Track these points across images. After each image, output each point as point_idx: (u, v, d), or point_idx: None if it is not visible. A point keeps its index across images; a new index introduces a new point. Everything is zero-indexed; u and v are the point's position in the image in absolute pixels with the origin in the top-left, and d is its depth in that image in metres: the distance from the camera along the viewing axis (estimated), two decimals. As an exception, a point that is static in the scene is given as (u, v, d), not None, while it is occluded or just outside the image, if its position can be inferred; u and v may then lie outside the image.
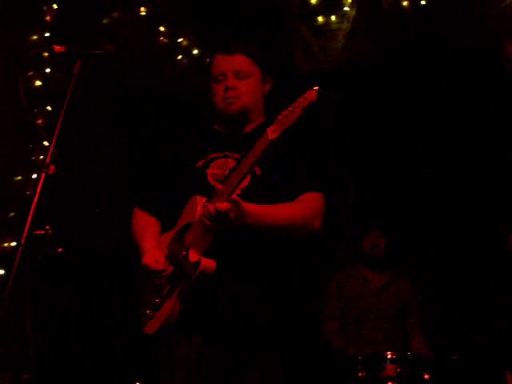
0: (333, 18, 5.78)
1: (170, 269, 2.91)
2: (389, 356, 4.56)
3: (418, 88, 5.84)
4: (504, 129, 5.64)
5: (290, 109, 2.67)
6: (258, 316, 2.97)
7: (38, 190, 2.67)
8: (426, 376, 4.50)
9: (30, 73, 5.32)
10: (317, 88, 2.66)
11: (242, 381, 2.91)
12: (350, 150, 6.09)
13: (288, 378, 3.05)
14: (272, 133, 2.67)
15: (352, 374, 4.66)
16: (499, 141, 5.74)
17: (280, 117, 2.69)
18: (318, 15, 5.80)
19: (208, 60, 3.31)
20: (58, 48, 2.89)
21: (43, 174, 2.68)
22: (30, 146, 5.28)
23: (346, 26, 5.72)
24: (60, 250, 2.58)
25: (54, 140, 2.76)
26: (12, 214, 5.14)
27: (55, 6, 5.46)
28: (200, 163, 3.09)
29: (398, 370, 4.50)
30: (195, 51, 5.96)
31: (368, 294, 5.31)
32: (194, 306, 2.89)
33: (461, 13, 5.32)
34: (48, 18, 5.45)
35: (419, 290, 5.42)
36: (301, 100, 2.65)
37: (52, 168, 2.71)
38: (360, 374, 4.59)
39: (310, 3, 5.80)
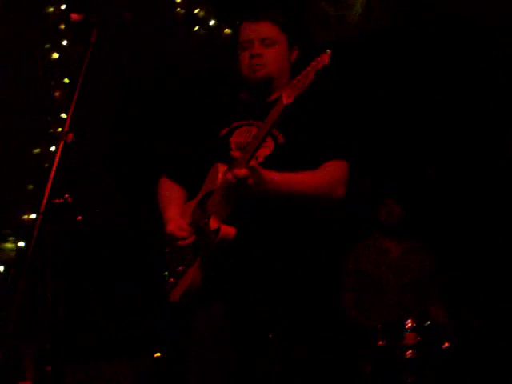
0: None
1: (193, 237, 2.92)
2: (409, 324, 4.55)
3: (436, 57, 5.77)
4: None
5: (304, 73, 2.67)
6: (281, 286, 2.96)
7: (57, 158, 2.68)
8: (447, 344, 4.51)
9: (47, 45, 5.33)
10: (329, 51, 2.65)
11: (261, 353, 2.91)
12: (370, 119, 6.04)
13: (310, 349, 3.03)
14: (287, 98, 2.67)
15: (369, 344, 4.66)
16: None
17: (294, 81, 2.69)
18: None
19: (228, 29, 3.30)
20: (74, 16, 2.90)
21: (62, 142, 2.69)
22: (48, 118, 5.29)
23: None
24: (79, 218, 2.60)
25: (71, 108, 2.76)
26: (31, 186, 5.17)
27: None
28: (224, 131, 3.09)
29: (418, 338, 4.50)
30: (212, 22, 5.94)
31: (387, 263, 5.29)
32: (216, 274, 2.89)
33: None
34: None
35: (438, 258, 5.40)
36: (313, 64, 2.65)
37: (70, 136, 2.71)
38: (380, 343, 4.59)
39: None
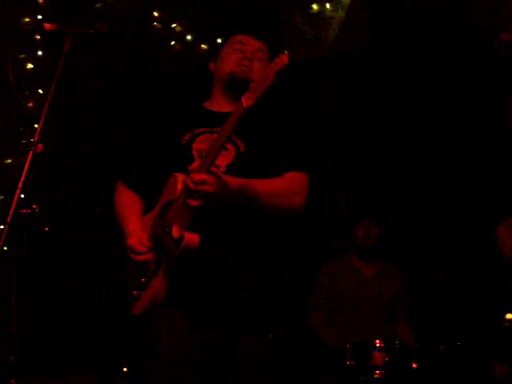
0: (327, 6, 5.77)
1: (154, 248, 2.90)
2: (377, 344, 4.55)
3: (412, 78, 5.81)
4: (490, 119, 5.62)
5: (263, 75, 2.68)
6: (245, 292, 2.94)
7: (25, 168, 2.65)
8: (414, 365, 4.51)
9: (22, 55, 5.30)
10: (287, 52, 2.66)
11: (226, 359, 2.89)
12: (341, 138, 6.07)
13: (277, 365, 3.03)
14: (247, 100, 2.67)
15: (338, 364, 4.65)
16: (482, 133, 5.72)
17: (254, 84, 2.70)
18: (313, 3, 5.79)
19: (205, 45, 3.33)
20: (48, 26, 2.87)
21: (31, 153, 2.67)
22: (21, 128, 5.26)
23: (340, 14, 5.71)
24: (47, 228, 2.57)
25: (42, 119, 2.74)
26: (1, 197, 5.11)
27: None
28: (186, 137, 3.08)
29: (386, 358, 4.50)
30: (189, 37, 5.94)
31: (358, 284, 5.30)
32: (180, 282, 2.86)
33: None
34: (40, 0, 5.41)
35: (408, 279, 5.41)
36: (272, 65, 2.66)
37: (40, 147, 2.69)
38: (348, 363, 4.58)
39: (306, -9, 5.79)
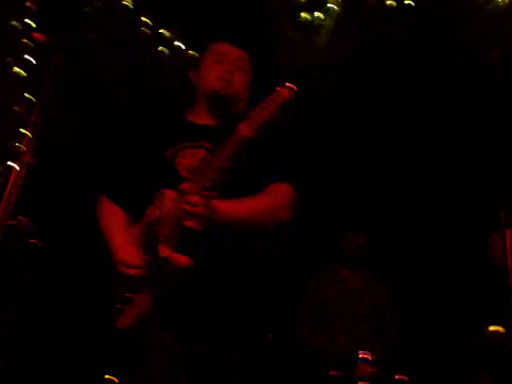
0: (316, 14, 5.77)
1: (143, 264, 2.88)
2: (361, 356, 4.55)
3: (400, 88, 5.81)
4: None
5: (262, 105, 2.65)
6: (233, 314, 2.93)
7: (11, 179, 2.63)
8: (400, 376, 4.51)
9: (9, 59, 5.26)
10: (291, 85, 2.63)
11: (214, 379, 2.88)
12: (328, 150, 6.07)
13: (263, 376, 3.02)
14: (244, 129, 2.64)
15: (323, 374, 4.65)
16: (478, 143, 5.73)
17: (253, 113, 2.67)
18: (302, 11, 5.78)
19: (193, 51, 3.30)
20: (38, 36, 2.86)
21: (17, 163, 2.65)
22: (7, 132, 5.21)
23: (329, 22, 5.71)
24: (35, 241, 2.54)
25: (31, 130, 2.72)
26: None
27: (37, -7, 5.38)
28: (169, 152, 3.05)
29: (370, 370, 4.50)
30: (176, 43, 5.93)
31: (346, 294, 5.29)
32: (166, 301, 2.86)
33: (446, 13, 5.32)
34: (29, 3, 5.38)
35: (396, 288, 5.41)
36: (273, 97, 2.63)
37: (29, 158, 2.67)
38: (333, 373, 4.58)
39: (295, -1, 5.79)
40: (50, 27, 3.81)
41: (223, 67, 3.13)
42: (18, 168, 2.63)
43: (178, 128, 3.19)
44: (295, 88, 2.63)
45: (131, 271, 2.89)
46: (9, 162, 5.05)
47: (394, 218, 5.97)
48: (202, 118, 3.18)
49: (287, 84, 2.64)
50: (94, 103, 5.59)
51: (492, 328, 4.81)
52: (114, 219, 3.13)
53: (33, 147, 2.66)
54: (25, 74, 5.17)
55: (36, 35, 2.86)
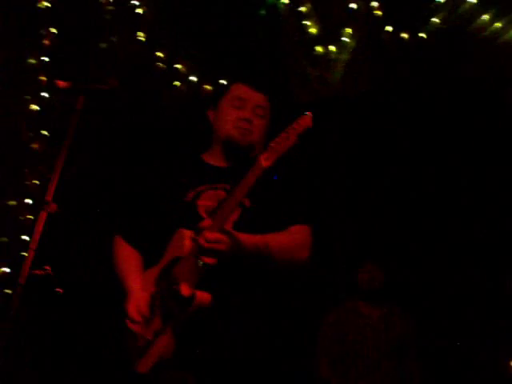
0: (332, 48, 5.79)
1: (160, 305, 2.85)
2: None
3: (416, 121, 5.83)
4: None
5: (283, 135, 2.62)
6: (257, 353, 2.91)
7: (39, 229, 2.63)
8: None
9: (27, 97, 5.30)
10: (309, 113, 2.61)
11: None
12: (346, 180, 6.06)
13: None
14: (265, 160, 2.64)
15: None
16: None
17: (272, 144, 2.64)
18: (317, 45, 5.81)
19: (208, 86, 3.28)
20: (61, 83, 2.86)
21: (44, 214, 2.64)
22: (26, 170, 5.23)
23: (344, 56, 5.73)
24: (60, 290, 2.55)
25: (55, 177, 2.72)
26: (5, 239, 5.07)
27: (54, 30, 5.43)
28: (190, 195, 3.05)
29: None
30: (192, 77, 5.95)
31: (365, 328, 5.24)
32: (189, 342, 2.82)
33: (460, 47, 5.34)
34: (46, 41, 5.42)
35: (415, 321, 5.36)
36: (295, 127, 2.61)
37: (54, 207, 2.67)
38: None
39: (310, 32, 5.80)
40: (70, 72, 3.84)
41: (242, 114, 3.08)
42: (44, 217, 2.62)
43: (197, 170, 3.18)
44: (312, 116, 2.62)
45: (133, 327, 2.88)
46: (27, 200, 5.11)
47: (409, 251, 5.94)
48: (219, 159, 3.17)
49: (306, 112, 2.63)
50: (113, 146, 5.61)
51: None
52: (129, 261, 3.10)
53: (54, 194, 2.64)
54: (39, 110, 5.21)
55: (59, 82, 2.85)
